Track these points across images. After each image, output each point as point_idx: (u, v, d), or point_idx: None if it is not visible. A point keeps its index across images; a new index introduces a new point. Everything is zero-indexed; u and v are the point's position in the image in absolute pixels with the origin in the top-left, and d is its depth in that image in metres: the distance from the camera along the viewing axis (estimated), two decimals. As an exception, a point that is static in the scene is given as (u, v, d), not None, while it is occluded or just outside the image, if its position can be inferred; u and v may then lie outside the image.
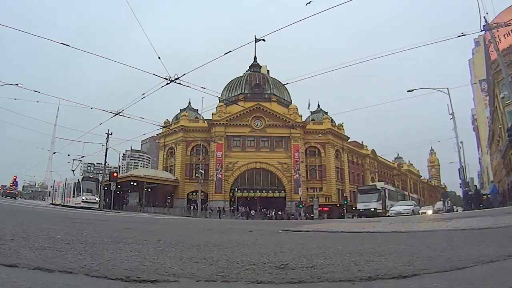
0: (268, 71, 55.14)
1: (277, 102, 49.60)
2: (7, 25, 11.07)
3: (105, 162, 29.61)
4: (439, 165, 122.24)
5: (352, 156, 56.69)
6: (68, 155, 30.93)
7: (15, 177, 40.55)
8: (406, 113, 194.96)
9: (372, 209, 27.15)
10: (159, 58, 12.38)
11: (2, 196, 34.01)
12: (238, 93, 49.59)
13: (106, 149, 28.64)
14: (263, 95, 49.15)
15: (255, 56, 52.44)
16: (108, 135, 28.33)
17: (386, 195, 30.48)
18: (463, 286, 1.40)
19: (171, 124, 47.31)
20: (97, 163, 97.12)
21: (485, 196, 22.26)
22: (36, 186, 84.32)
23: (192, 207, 38.71)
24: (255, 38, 13.25)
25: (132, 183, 39.39)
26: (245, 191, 42.50)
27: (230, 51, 11.86)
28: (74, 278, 1.41)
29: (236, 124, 45.28)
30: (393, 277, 1.58)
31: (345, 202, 34.92)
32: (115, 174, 29.07)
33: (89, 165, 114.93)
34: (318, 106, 54.12)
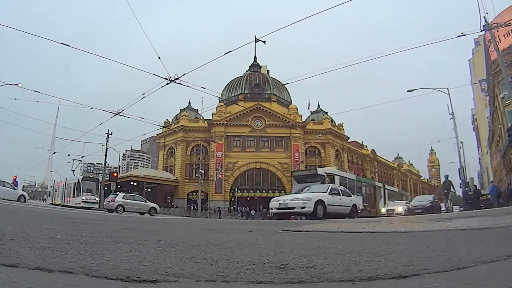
0: (268, 71, 55.17)
1: (277, 102, 49.62)
2: (7, 25, 11.09)
3: (105, 162, 29.62)
4: (439, 165, 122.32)
5: (352, 156, 56.72)
6: (68, 155, 30.98)
7: (15, 177, 40.56)
8: (406, 113, 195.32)
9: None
10: (159, 58, 12.40)
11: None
12: (238, 93, 49.63)
13: (106, 149, 28.66)
14: (263, 95, 49.19)
15: (255, 56, 52.50)
16: (108, 135, 28.35)
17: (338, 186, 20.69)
18: (463, 286, 1.40)
19: (171, 124, 47.34)
20: (97, 163, 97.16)
21: (485, 196, 22.23)
22: (36, 186, 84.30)
23: (192, 207, 38.73)
24: (255, 38, 13.25)
25: (132, 183, 39.41)
26: (245, 191, 42.54)
27: (230, 51, 11.87)
28: (74, 278, 1.41)
29: (236, 124, 45.30)
30: (393, 277, 1.58)
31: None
32: (115, 174, 29.07)
33: (89, 165, 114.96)
34: (318, 106, 54.18)
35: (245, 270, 1.73)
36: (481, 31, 14.94)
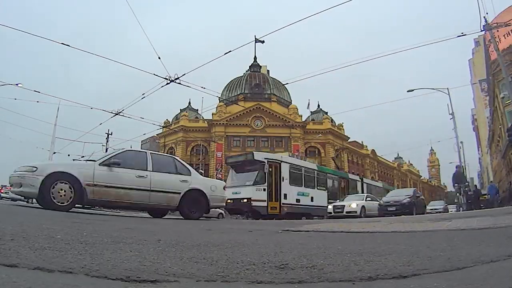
0: (268, 71, 55.21)
1: (277, 102, 49.66)
2: (7, 25, 11.09)
3: (105, 162, 29.55)
4: (439, 165, 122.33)
5: (352, 156, 56.73)
6: (68, 155, 30.86)
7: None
8: (406, 113, 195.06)
9: (244, 200, 14.84)
10: (159, 58, 12.41)
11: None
12: (238, 93, 49.69)
13: (106, 149, 28.64)
14: (263, 95, 49.23)
15: (255, 56, 52.57)
16: (108, 135, 28.36)
17: (281, 174, 16.32)
18: (463, 286, 1.41)
19: (171, 124, 47.37)
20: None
21: (485, 196, 22.25)
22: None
23: (192, 207, 38.68)
24: (255, 38, 13.28)
25: (132, 183, 39.29)
26: (245, 191, 42.48)
27: (230, 51, 11.89)
28: (74, 278, 1.41)
29: (236, 124, 45.29)
30: (393, 277, 1.58)
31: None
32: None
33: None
34: (318, 106, 54.23)
35: (245, 270, 1.73)
36: (481, 31, 14.95)
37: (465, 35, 11.20)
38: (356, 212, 15.61)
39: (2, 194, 26.19)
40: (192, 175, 8.35)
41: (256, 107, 45.83)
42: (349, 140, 55.32)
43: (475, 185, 29.38)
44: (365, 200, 17.02)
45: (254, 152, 18.40)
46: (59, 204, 6.35)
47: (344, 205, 16.19)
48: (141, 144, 42.93)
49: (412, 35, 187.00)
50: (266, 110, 46.11)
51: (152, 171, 7.63)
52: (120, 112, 17.62)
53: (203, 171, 38.22)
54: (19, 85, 19.99)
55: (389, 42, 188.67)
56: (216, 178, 42.22)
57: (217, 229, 4.43)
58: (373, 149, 62.70)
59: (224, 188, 9.07)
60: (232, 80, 52.96)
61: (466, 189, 22.19)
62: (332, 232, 4.33)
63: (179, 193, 7.86)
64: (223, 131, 44.91)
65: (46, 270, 1.47)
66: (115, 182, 7.07)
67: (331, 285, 1.50)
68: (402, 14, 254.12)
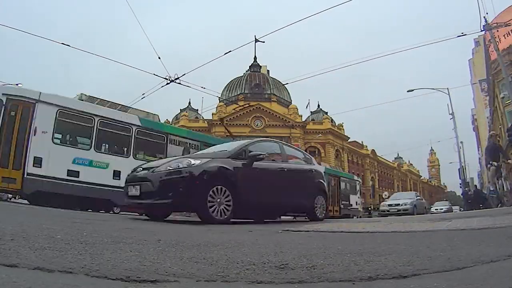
0: (268, 71, 55.25)
1: (277, 102, 49.71)
2: (7, 25, 11.08)
3: (106, 162, 29.39)
4: (439, 165, 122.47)
5: (352, 156, 56.77)
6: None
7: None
8: (406, 113, 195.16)
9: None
10: (159, 58, 12.44)
11: None
12: (238, 93, 49.69)
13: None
14: (263, 95, 49.27)
15: (255, 56, 52.63)
16: (108, 135, 28.17)
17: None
18: (463, 286, 1.41)
19: (171, 124, 47.37)
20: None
21: (485, 196, 22.26)
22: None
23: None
24: (255, 38, 13.30)
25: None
26: (245, 191, 42.48)
27: (230, 51, 11.93)
28: (74, 278, 1.41)
29: (236, 124, 45.33)
30: (393, 277, 1.58)
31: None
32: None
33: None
34: (318, 106, 54.32)
35: (245, 270, 1.73)
36: (481, 31, 14.97)
37: (465, 35, 11.23)
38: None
39: None
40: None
41: (256, 107, 45.86)
42: (349, 140, 55.33)
43: (475, 185, 29.40)
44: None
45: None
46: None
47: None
48: (141, 144, 42.72)
49: (412, 35, 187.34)
50: (266, 110, 46.12)
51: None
52: (120, 112, 17.51)
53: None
54: (19, 85, 20.00)
55: (389, 42, 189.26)
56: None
57: (217, 229, 4.43)
58: (373, 149, 62.72)
59: None
60: (232, 80, 52.99)
61: (466, 189, 22.21)
62: (332, 232, 4.33)
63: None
64: (223, 131, 44.93)
65: (46, 270, 1.47)
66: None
67: (331, 285, 1.50)
68: (402, 14, 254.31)
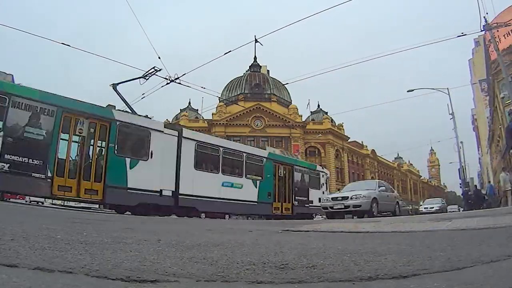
0: (268, 71, 55.23)
1: (277, 102, 49.69)
2: (7, 25, 11.08)
3: (106, 162, 29.33)
4: (439, 165, 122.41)
5: (352, 156, 56.77)
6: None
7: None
8: (406, 113, 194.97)
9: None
10: (159, 58, 12.44)
11: None
12: (238, 93, 49.71)
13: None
14: (263, 95, 49.26)
15: (255, 56, 52.58)
16: (108, 135, 28.13)
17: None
18: (463, 286, 1.40)
19: (171, 124, 47.38)
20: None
21: (484, 196, 22.27)
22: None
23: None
24: (255, 38, 13.30)
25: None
26: (245, 191, 42.45)
27: (230, 51, 11.93)
28: (74, 278, 1.41)
29: (236, 124, 45.32)
30: (393, 277, 1.58)
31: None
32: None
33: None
34: (318, 106, 54.27)
35: (245, 270, 1.73)
36: (481, 31, 14.97)
37: (465, 35, 11.23)
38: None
39: None
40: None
41: (256, 107, 45.85)
42: (349, 140, 55.34)
43: (475, 185, 29.37)
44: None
45: None
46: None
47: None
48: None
49: (412, 35, 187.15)
50: (266, 110, 46.13)
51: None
52: (120, 112, 17.49)
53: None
54: (19, 85, 19.99)
55: (389, 42, 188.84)
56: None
57: (217, 229, 4.43)
58: (373, 149, 62.72)
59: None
60: (232, 80, 52.99)
61: (466, 189, 22.19)
62: (332, 232, 4.33)
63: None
64: (223, 131, 44.91)
65: (46, 270, 1.47)
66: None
67: (331, 285, 1.50)
68: (402, 14, 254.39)
